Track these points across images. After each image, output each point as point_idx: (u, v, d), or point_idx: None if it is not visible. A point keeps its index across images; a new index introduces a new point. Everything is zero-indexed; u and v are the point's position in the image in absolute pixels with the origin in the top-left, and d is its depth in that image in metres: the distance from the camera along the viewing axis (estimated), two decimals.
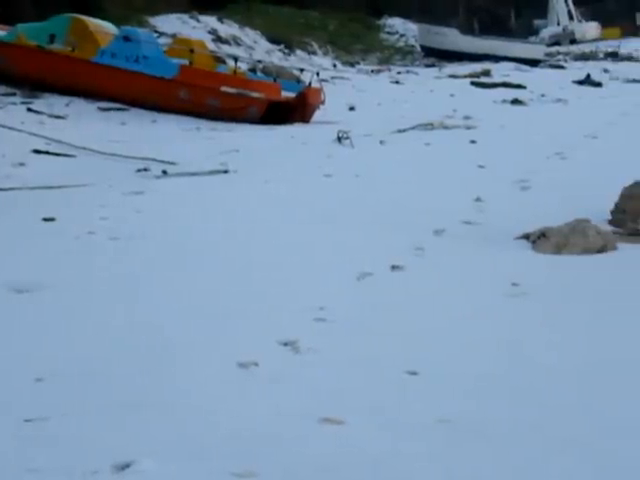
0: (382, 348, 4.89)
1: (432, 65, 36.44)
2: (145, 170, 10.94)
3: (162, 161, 11.44)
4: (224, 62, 21.15)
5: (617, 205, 8.61)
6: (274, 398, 4.13)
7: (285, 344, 4.87)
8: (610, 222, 8.52)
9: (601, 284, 6.43)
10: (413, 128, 15.47)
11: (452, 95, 22.07)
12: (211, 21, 32.62)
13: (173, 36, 23.33)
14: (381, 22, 47.20)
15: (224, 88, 16.90)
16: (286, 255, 6.97)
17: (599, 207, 8.57)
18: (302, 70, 20.39)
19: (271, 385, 4.30)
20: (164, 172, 10.76)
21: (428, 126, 15.63)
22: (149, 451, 3.54)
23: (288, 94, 17.62)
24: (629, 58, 36.73)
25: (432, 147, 13.31)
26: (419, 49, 42.07)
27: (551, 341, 5.13)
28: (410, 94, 22.59)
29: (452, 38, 39.23)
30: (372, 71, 32.02)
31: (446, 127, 15.64)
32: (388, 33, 46.45)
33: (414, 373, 4.50)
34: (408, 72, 31.13)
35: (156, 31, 25.50)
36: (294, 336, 4.95)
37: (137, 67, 17.06)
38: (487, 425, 3.91)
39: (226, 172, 10.88)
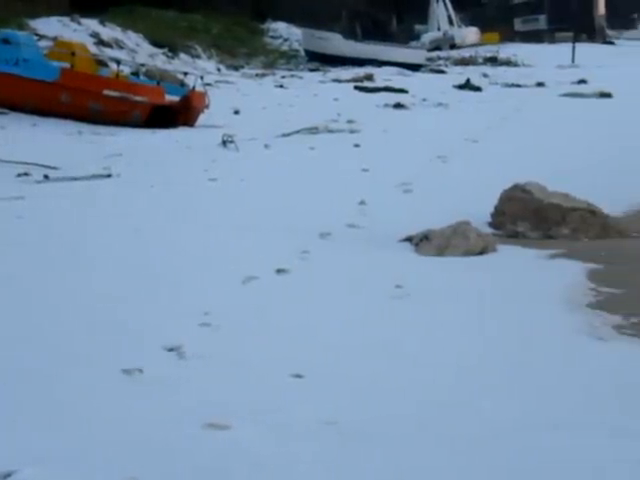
0: (267, 352, 4.89)
1: (316, 69, 36.61)
2: (26, 175, 10.73)
3: (43, 165, 11.24)
4: (106, 65, 20.90)
5: (497, 208, 8.79)
6: (158, 404, 4.09)
7: (170, 349, 4.83)
8: (490, 224, 8.70)
9: (482, 285, 6.55)
10: (298, 132, 15.52)
11: (336, 99, 22.22)
12: (93, 24, 32.19)
13: (54, 39, 22.95)
14: (265, 26, 47.24)
15: (106, 92, 16.71)
16: (170, 259, 6.91)
17: (480, 210, 8.73)
18: (186, 74, 20.28)
19: (155, 391, 4.26)
20: (46, 177, 10.58)
21: (313, 130, 15.71)
22: (31, 460, 3.48)
23: (172, 98, 17.50)
24: (508, 63, 37.51)
25: (317, 151, 13.38)
26: (303, 53, 42.24)
27: (435, 341, 5.20)
28: (295, 98, 22.66)
29: (335, 43, 39.50)
30: (257, 75, 32.02)
31: (330, 131, 15.73)
32: (272, 37, 46.51)
33: (299, 376, 4.51)
34: (292, 76, 31.22)
35: (36, 34, 25.06)
36: (179, 341, 4.91)
37: (17, 70, 16.74)
38: (373, 426, 3.94)
39: (109, 176, 10.75)
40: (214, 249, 7.37)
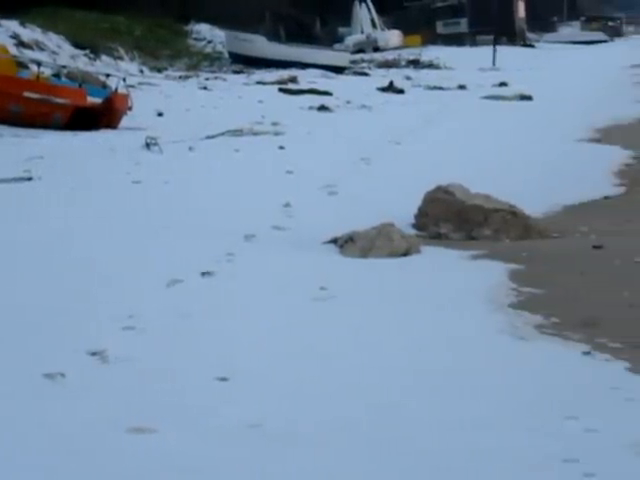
0: (193, 355, 4.87)
1: (240, 71, 36.51)
2: None
3: None
4: (27, 67, 20.60)
5: (420, 209, 8.86)
6: (82, 409, 4.05)
7: (93, 353, 4.79)
8: (414, 226, 8.76)
9: (406, 286, 6.60)
10: (222, 134, 15.47)
11: (260, 101, 22.19)
12: (13, 25, 31.71)
13: None
14: (188, 28, 46.98)
15: (27, 93, 16.47)
16: (93, 262, 6.85)
17: (403, 211, 8.79)
18: (108, 75, 20.08)
19: (79, 395, 4.22)
20: None
21: (237, 132, 15.66)
22: None
23: (94, 100, 17.31)
24: (430, 65, 37.81)
25: (241, 153, 13.35)
26: (227, 55, 42.10)
27: (360, 342, 5.23)
28: (219, 100, 22.57)
29: (259, 45, 39.44)
30: (180, 77, 31.84)
31: (255, 133, 15.71)
32: (195, 39, 46.26)
33: (224, 379, 4.50)
34: (216, 78, 31.09)
35: None
36: (102, 345, 4.87)
37: None
38: (298, 428, 3.95)
39: (30, 179, 10.60)
40: (138, 252, 7.31)
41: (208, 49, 45.02)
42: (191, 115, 19.35)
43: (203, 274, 6.64)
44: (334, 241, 7.86)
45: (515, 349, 5.14)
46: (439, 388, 4.50)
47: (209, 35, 46.54)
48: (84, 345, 4.88)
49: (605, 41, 78.23)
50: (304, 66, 35.68)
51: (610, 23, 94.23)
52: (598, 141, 15.57)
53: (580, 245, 8.08)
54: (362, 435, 3.90)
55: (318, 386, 4.48)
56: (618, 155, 13.76)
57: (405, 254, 7.59)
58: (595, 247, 7.84)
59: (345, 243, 7.72)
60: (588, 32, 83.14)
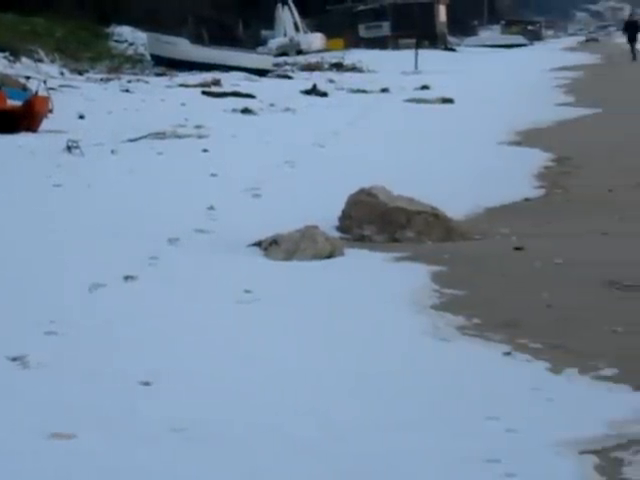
0: (115, 359, 4.83)
1: (163, 74, 36.23)
2: None
3: None
4: None
5: (344, 212, 8.90)
6: (1, 415, 4.00)
7: (14, 359, 4.72)
8: (338, 228, 8.79)
9: (330, 288, 6.63)
10: (145, 137, 15.35)
11: (183, 104, 22.05)
12: None
13: None
14: (110, 30, 46.52)
15: None
16: (13, 266, 6.75)
17: (327, 214, 8.82)
18: (28, 78, 19.77)
19: None
20: None
21: (160, 135, 15.55)
22: None
23: (14, 102, 17.06)
24: (353, 69, 37.92)
25: (164, 156, 13.26)
26: (149, 58, 41.78)
27: (284, 345, 5.24)
28: (141, 103, 22.39)
29: (182, 47, 39.20)
30: (101, 79, 31.52)
31: (178, 136, 15.62)
32: (117, 41, 45.83)
33: (147, 383, 4.47)
34: (138, 81, 30.82)
35: None
36: (23, 350, 4.81)
37: None
38: (221, 430, 3.94)
39: None
40: (60, 256, 7.23)
41: (130, 51, 44.62)
42: (113, 118, 19.18)
43: (126, 278, 6.58)
44: (258, 244, 7.86)
45: (437, 350, 5.19)
46: (362, 390, 4.53)
47: (131, 37, 46.13)
48: (4, 350, 4.81)
49: (525, 45, 79.29)
50: (227, 69, 35.55)
51: (529, 27, 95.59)
52: (519, 144, 15.76)
53: (501, 247, 8.18)
54: (286, 438, 3.91)
55: (240, 389, 4.48)
56: (538, 158, 13.95)
57: (329, 256, 7.61)
58: (516, 249, 7.95)
59: (269, 246, 7.72)
60: (508, 36, 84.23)
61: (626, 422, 4.13)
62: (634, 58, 45.05)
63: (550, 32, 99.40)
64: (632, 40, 45.89)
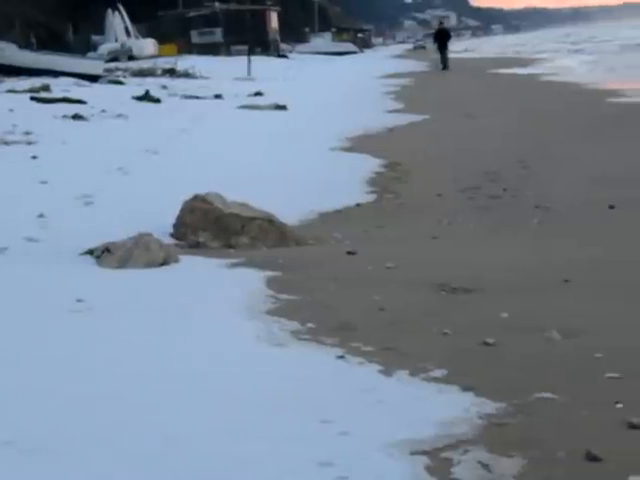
0: None
1: None
2: None
3: None
4: None
5: (178, 218, 8.87)
6: None
7: None
8: (172, 235, 8.75)
9: (165, 295, 6.60)
10: None
11: (11, 110, 21.50)
12: None
13: None
14: None
15: None
16: None
17: (161, 221, 8.77)
18: None
19: None
20: None
21: None
22: None
23: None
24: (186, 75, 37.70)
25: None
26: None
27: (119, 354, 5.18)
28: None
29: (9, 52, 38.25)
30: None
31: (6, 143, 15.23)
32: None
33: None
34: None
35: None
36: None
37: None
38: (52, 443, 3.88)
39: None
40: None
41: None
42: None
43: None
44: (90, 252, 7.74)
45: (272, 355, 5.23)
46: (197, 397, 4.53)
47: None
48: None
49: (355, 52, 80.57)
50: (57, 74, 34.88)
51: (360, 34, 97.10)
52: (350, 150, 16.01)
53: (334, 251, 8.30)
54: (123, 449, 3.88)
55: (73, 399, 4.42)
56: (369, 163, 14.20)
57: (163, 264, 7.57)
58: (349, 253, 8.08)
59: (102, 254, 7.62)
60: (339, 43, 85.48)
61: (455, 422, 4.25)
62: (445, 67, 45.77)
63: (379, 39, 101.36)
64: (443, 49, 46.41)
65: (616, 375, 4.82)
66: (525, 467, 3.82)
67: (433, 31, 53.84)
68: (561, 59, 55.32)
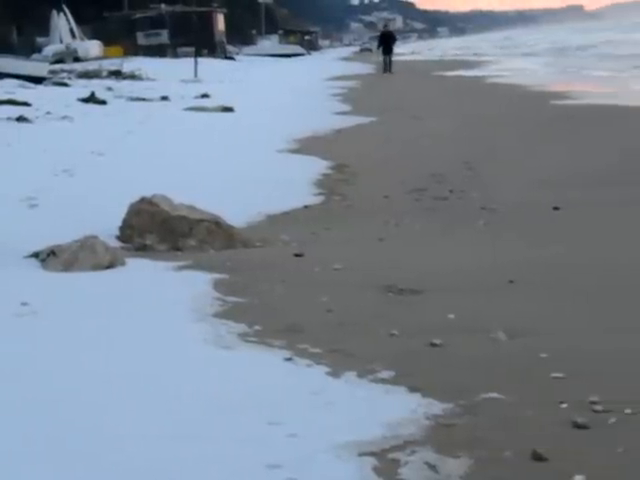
0: None
1: None
2: None
3: None
4: None
5: (125, 221, 8.81)
6: None
7: None
8: (119, 238, 8.70)
9: (111, 299, 6.55)
10: None
11: None
12: None
13: None
14: None
15: None
16: None
17: (108, 223, 8.71)
18: None
19: None
20: None
21: None
22: None
23: None
24: (132, 76, 37.49)
25: None
26: None
27: (65, 357, 5.14)
28: None
29: None
30: None
31: None
32: None
33: None
34: None
35: None
36: None
37: None
38: None
39: None
40: None
41: None
42: None
43: None
44: (35, 255, 7.67)
45: (219, 358, 5.22)
46: (143, 399, 4.51)
47: None
48: None
49: (302, 54, 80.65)
50: (1, 76, 34.52)
51: (307, 37, 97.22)
52: (298, 152, 16.02)
53: (282, 253, 8.30)
54: (62, 450, 3.85)
55: (17, 403, 4.38)
56: (317, 165, 14.22)
57: (109, 267, 7.52)
58: (296, 255, 8.09)
59: (47, 257, 7.55)
60: (286, 45, 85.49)
61: (402, 423, 4.27)
62: (389, 70, 45.60)
63: (326, 42, 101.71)
64: (388, 52, 46.08)
65: (561, 375, 4.87)
66: (472, 467, 3.85)
67: (378, 33, 53.69)
68: (506, 61, 55.88)
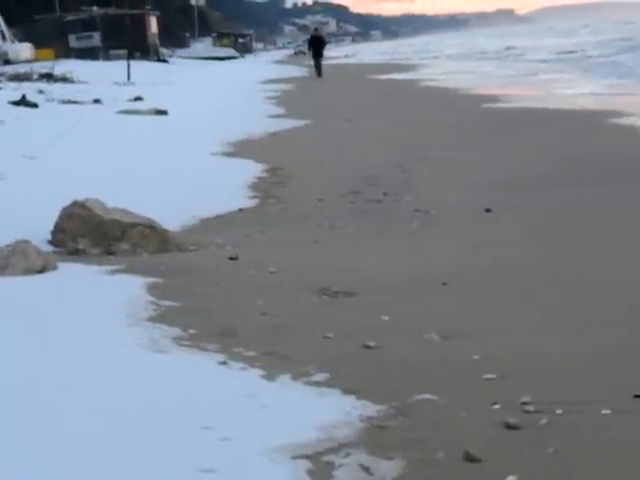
0: None
1: None
2: None
3: None
4: None
5: (57, 225, 8.72)
6: None
7: None
8: (51, 242, 8.61)
9: (43, 304, 6.49)
10: None
11: None
12: None
13: None
14: None
15: None
16: None
17: (40, 227, 8.62)
18: None
19: None
20: None
21: None
22: None
23: None
24: (64, 79, 37.11)
25: None
26: None
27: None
28: None
29: None
30: None
31: None
32: None
33: None
34: None
35: None
36: None
37: None
38: None
39: None
40: None
41: None
42: None
43: None
44: None
45: (153, 362, 5.19)
46: (75, 403, 4.47)
47: None
48: None
49: (236, 57, 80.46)
50: None
51: (240, 40, 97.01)
52: (232, 155, 15.99)
53: (216, 257, 8.28)
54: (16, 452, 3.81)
55: None
56: (251, 168, 14.20)
57: (42, 271, 7.44)
58: (231, 258, 8.07)
59: None
60: (220, 48, 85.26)
61: (337, 425, 4.29)
62: (319, 74, 45.66)
63: (260, 45, 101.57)
64: (318, 56, 46.14)
65: (493, 376, 4.93)
66: (405, 468, 3.88)
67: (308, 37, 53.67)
68: (438, 65, 56.32)
